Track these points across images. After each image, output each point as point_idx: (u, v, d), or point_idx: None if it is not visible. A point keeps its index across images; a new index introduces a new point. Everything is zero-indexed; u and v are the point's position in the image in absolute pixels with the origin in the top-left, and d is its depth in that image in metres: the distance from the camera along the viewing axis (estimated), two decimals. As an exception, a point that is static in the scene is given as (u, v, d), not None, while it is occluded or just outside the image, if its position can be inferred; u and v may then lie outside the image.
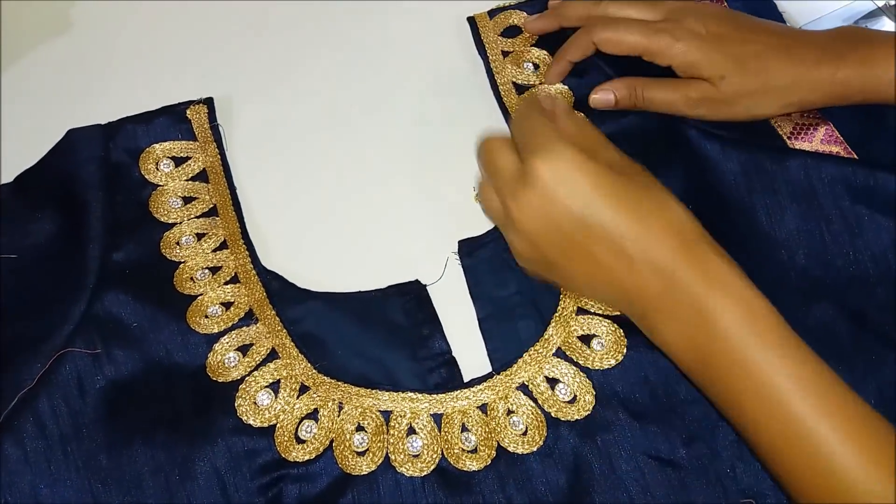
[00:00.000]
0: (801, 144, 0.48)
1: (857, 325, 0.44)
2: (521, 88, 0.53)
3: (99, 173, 0.48)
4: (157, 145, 0.50)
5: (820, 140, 0.48)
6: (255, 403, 0.43)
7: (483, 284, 0.47)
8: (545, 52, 0.54)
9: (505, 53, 0.54)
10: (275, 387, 0.44)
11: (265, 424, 0.43)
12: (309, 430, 0.42)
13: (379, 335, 0.45)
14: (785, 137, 0.48)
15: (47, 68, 0.56)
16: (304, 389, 0.43)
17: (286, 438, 0.42)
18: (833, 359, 0.42)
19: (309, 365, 0.44)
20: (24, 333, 0.44)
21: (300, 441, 0.42)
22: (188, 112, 0.51)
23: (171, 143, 0.51)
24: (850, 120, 0.49)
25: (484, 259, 0.47)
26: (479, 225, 0.48)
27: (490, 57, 0.54)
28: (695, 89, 0.47)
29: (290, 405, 0.43)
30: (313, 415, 0.43)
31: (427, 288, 0.47)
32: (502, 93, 0.53)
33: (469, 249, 0.48)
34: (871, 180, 0.46)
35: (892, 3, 0.55)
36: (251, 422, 0.42)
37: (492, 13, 0.56)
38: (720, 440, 0.41)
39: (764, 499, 0.40)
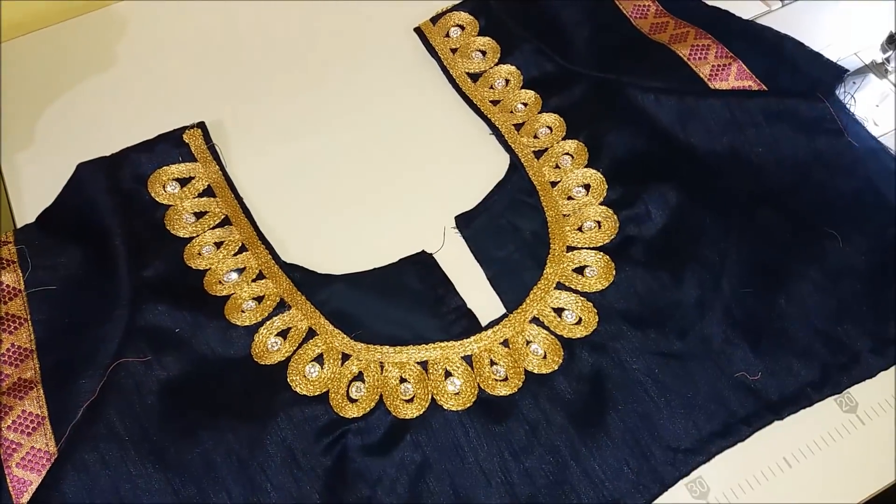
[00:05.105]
0: (719, 84, 0.57)
1: (794, 223, 0.52)
2: (474, 76, 0.60)
3: (113, 201, 0.52)
4: (160, 170, 0.54)
5: (734, 77, 0.57)
6: (305, 376, 0.47)
7: (484, 249, 0.53)
8: (488, 38, 0.61)
9: (453, 50, 0.61)
10: (320, 360, 0.48)
11: (318, 392, 0.47)
12: (358, 390, 0.47)
13: (401, 302, 0.50)
14: (705, 79, 0.57)
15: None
16: (345, 357, 0.48)
17: (340, 399, 0.47)
18: (781, 251, 0.50)
19: (345, 336, 0.49)
20: (75, 354, 0.47)
21: (352, 400, 0.47)
22: (184, 136, 0.56)
23: (174, 166, 0.55)
24: (755, 56, 0.58)
25: (480, 228, 0.54)
26: (463, 200, 0.55)
27: (441, 56, 0.61)
28: None
29: (337, 372, 0.47)
30: (359, 377, 0.48)
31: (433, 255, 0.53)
32: (459, 83, 0.60)
33: (466, 222, 0.54)
34: (783, 105, 0.55)
35: (879, 61, 0.60)
36: (305, 392, 0.47)
37: (434, 19, 0.63)
38: (707, 329, 0.48)
39: (754, 372, 0.47)
